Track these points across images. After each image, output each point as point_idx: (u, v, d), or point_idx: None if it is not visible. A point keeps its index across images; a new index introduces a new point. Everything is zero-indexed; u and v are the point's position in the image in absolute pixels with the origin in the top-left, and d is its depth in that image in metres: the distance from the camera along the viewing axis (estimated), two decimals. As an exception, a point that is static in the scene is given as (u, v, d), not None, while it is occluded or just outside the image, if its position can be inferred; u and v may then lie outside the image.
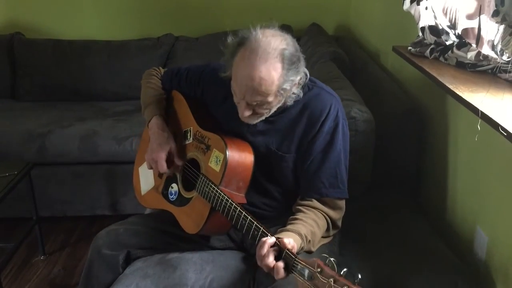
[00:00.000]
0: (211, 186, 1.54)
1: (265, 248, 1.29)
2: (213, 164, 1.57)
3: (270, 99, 1.45)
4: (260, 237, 1.36)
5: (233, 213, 1.46)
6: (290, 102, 1.53)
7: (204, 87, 1.73)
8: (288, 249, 1.27)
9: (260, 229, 1.38)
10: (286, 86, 1.45)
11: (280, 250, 1.29)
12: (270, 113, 1.53)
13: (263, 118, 1.54)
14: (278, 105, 1.52)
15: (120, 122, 3.02)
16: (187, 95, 1.79)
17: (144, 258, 1.69)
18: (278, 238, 1.33)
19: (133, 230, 1.72)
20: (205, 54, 3.42)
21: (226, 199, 1.49)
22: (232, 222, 1.47)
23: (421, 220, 1.94)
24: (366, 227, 1.88)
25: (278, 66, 1.42)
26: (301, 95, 1.53)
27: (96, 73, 3.47)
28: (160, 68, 1.92)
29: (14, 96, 3.50)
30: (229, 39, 1.49)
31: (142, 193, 1.86)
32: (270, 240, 1.31)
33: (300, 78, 1.50)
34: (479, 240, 1.67)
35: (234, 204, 1.47)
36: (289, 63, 1.43)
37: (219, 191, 1.51)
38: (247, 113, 1.49)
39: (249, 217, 1.41)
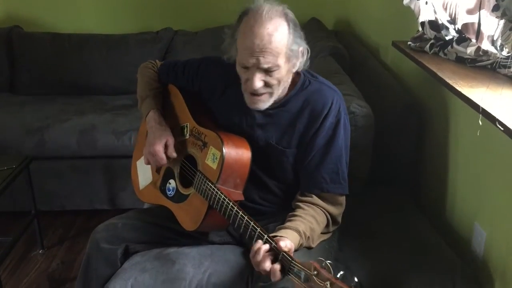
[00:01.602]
0: (208, 184, 1.53)
1: (260, 255, 1.29)
2: (210, 161, 1.56)
3: (281, 61, 1.44)
4: (257, 238, 1.35)
5: (230, 212, 1.45)
6: (292, 70, 1.51)
7: (202, 81, 1.72)
8: (285, 252, 1.27)
9: (257, 230, 1.36)
10: (294, 47, 1.45)
11: (276, 253, 1.29)
12: (279, 90, 1.50)
13: (272, 99, 1.51)
14: (286, 82, 1.51)
15: (119, 116, 3.01)
16: (184, 89, 1.78)
17: (143, 252, 1.69)
18: (275, 238, 1.32)
19: (131, 225, 1.71)
20: (204, 49, 3.40)
21: (223, 198, 1.47)
22: (229, 221, 1.46)
23: (420, 216, 1.94)
24: (365, 222, 1.88)
25: (284, 24, 1.44)
26: (307, 65, 1.53)
27: (95, 67, 3.45)
28: (157, 61, 1.90)
29: (12, 90, 3.48)
30: (226, 29, 1.51)
31: (140, 188, 1.86)
32: (265, 247, 1.30)
33: (304, 50, 1.50)
34: (477, 236, 1.67)
35: (231, 203, 1.45)
36: (294, 24, 1.46)
37: (216, 189, 1.50)
38: (259, 83, 1.45)
39: (246, 217, 1.40)
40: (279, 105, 1.56)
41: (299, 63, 1.52)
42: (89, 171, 2.92)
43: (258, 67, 1.44)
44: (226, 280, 1.56)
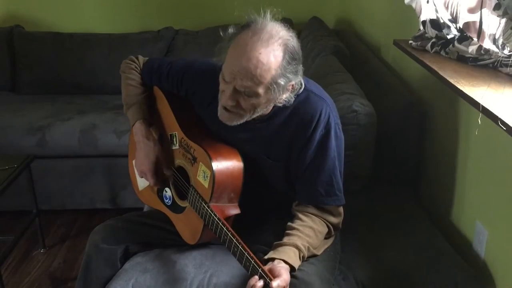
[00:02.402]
0: (201, 203, 1.49)
1: None
2: (201, 178, 1.51)
3: (260, 90, 1.35)
4: (251, 271, 1.32)
5: (225, 238, 1.41)
6: (278, 104, 1.44)
7: (188, 88, 1.63)
8: None
9: (252, 262, 1.32)
10: (281, 81, 1.35)
11: None
12: (252, 116, 1.43)
13: (243, 120, 1.44)
14: (264, 109, 1.43)
15: (120, 116, 3.01)
16: (169, 93, 1.71)
17: (143, 252, 1.69)
18: (270, 268, 1.31)
19: (131, 226, 1.71)
20: (205, 48, 3.41)
21: (217, 221, 1.43)
22: (224, 246, 1.43)
23: (422, 215, 1.94)
24: (367, 222, 1.87)
25: (279, 54, 1.33)
26: (291, 101, 1.44)
27: (96, 66, 3.46)
28: (139, 57, 1.78)
29: (14, 89, 3.50)
30: (230, 29, 1.41)
31: (140, 188, 1.85)
32: (259, 283, 1.27)
33: (296, 84, 1.41)
34: (479, 235, 1.66)
35: (224, 228, 1.41)
36: (290, 58, 1.35)
37: (209, 210, 1.46)
38: (231, 102, 1.37)
39: (240, 246, 1.35)
40: (266, 118, 1.50)
41: (285, 97, 1.42)
42: (90, 170, 2.92)
43: (235, 87, 1.36)
44: (227, 281, 1.55)
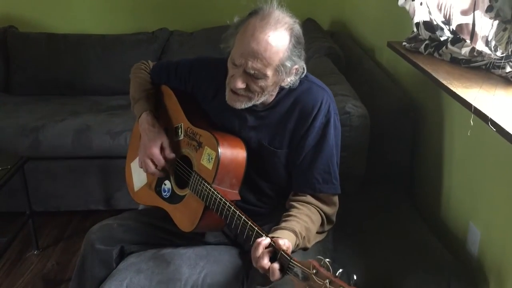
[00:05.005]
0: (204, 184, 1.52)
1: (260, 250, 1.28)
2: (205, 161, 1.55)
3: (269, 72, 1.43)
4: (254, 238, 1.35)
5: (227, 212, 1.44)
6: (285, 87, 1.52)
7: (194, 83, 1.71)
8: (283, 250, 1.26)
9: (255, 229, 1.36)
10: (288, 63, 1.44)
11: (275, 251, 1.28)
12: (259, 99, 1.50)
13: (250, 103, 1.50)
14: (270, 92, 1.50)
15: (114, 117, 3.01)
16: (177, 90, 1.77)
17: (138, 253, 1.69)
18: (273, 238, 1.32)
19: (126, 225, 1.71)
20: (199, 49, 3.39)
21: (220, 198, 1.47)
22: (226, 221, 1.46)
23: (415, 216, 1.95)
24: (360, 223, 1.88)
25: (286, 38, 1.42)
26: (297, 83, 1.52)
27: (90, 67, 3.45)
28: (149, 61, 1.89)
29: (7, 90, 3.48)
30: (237, 18, 1.50)
31: (135, 189, 1.85)
32: (265, 241, 1.30)
33: (299, 68, 1.49)
34: (472, 236, 1.67)
35: (227, 203, 1.45)
36: (296, 41, 1.45)
37: (212, 189, 1.49)
38: (241, 84, 1.45)
39: (243, 217, 1.40)
40: (270, 106, 1.56)
41: (290, 80, 1.51)
42: (84, 172, 2.91)
43: (245, 69, 1.43)
44: (221, 281, 1.55)
